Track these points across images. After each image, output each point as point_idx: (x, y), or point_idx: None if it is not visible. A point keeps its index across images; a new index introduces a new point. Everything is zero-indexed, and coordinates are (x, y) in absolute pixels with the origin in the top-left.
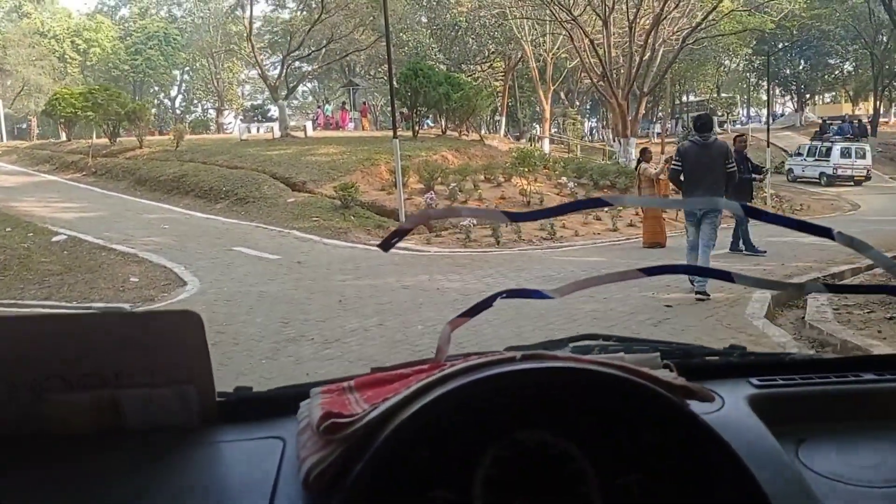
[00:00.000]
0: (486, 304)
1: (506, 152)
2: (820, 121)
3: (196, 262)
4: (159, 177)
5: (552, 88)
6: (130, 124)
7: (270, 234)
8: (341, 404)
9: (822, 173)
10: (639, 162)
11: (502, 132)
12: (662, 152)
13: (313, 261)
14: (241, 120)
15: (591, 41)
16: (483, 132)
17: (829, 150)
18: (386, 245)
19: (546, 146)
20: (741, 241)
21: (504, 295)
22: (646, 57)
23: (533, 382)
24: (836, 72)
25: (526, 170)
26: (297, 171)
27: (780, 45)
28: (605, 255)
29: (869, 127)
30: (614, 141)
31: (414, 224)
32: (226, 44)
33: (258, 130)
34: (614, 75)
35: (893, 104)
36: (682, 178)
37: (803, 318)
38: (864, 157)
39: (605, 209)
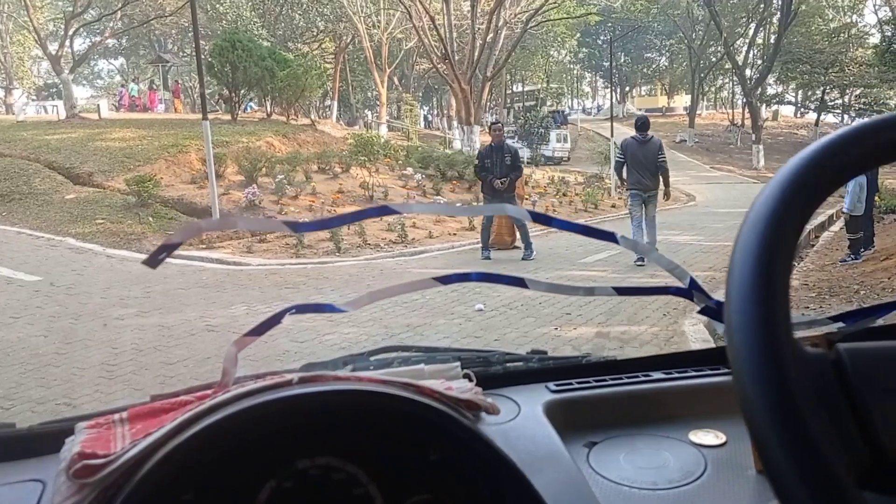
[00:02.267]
0: (274, 320)
1: (340, 139)
2: (639, 111)
3: None
4: None
5: (388, 72)
6: None
7: (35, 244)
8: (105, 441)
9: (542, 154)
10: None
11: (334, 117)
12: None
13: (87, 283)
14: (31, 98)
15: (433, 18)
16: (313, 117)
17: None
18: (153, 261)
19: (384, 132)
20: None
21: (294, 311)
22: (489, 39)
23: (307, 407)
24: (654, 65)
25: (366, 159)
26: (81, 160)
27: (602, 39)
28: (472, 265)
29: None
30: (450, 129)
31: (184, 237)
32: (11, 14)
33: (54, 111)
34: (456, 57)
35: (705, 98)
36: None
37: None
38: (566, 141)
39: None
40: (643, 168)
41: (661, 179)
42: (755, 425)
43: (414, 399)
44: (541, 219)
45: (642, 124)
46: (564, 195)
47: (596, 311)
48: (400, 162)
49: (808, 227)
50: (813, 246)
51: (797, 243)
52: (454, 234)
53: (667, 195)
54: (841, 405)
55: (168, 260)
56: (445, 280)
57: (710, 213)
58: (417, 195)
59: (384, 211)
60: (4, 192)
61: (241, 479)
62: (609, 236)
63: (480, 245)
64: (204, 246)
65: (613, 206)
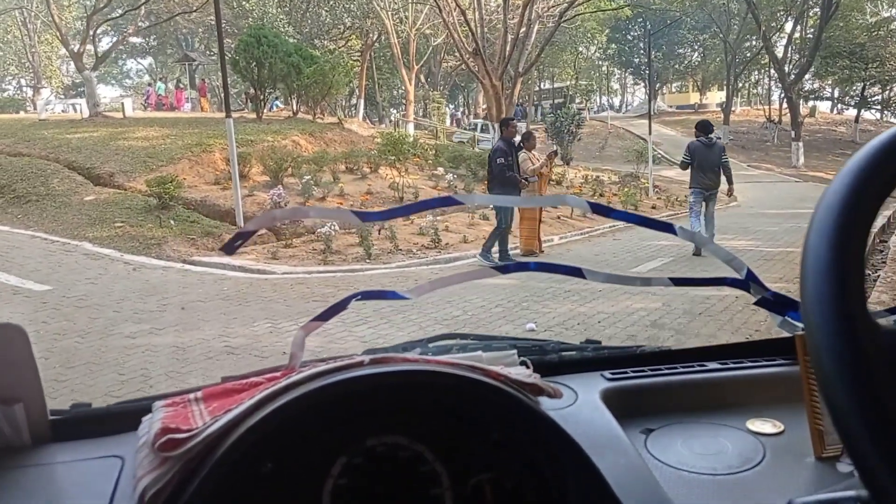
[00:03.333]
0: (341, 306)
1: (368, 138)
2: (671, 108)
3: None
4: None
5: (415, 69)
6: None
7: (49, 249)
8: (183, 418)
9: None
10: (518, 149)
11: (361, 116)
12: None
13: (100, 294)
14: (59, 97)
15: (463, 12)
16: (340, 115)
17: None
18: (230, 248)
19: (411, 130)
20: (492, 249)
21: (359, 297)
22: (521, 33)
23: (380, 387)
24: (686, 61)
25: (395, 158)
26: (102, 160)
27: (632, 34)
28: (516, 274)
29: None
30: (471, 127)
31: (258, 226)
32: (39, 13)
33: (77, 109)
34: (487, 52)
35: (739, 94)
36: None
37: None
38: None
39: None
40: (708, 169)
41: (722, 178)
42: (830, 392)
43: (483, 381)
44: (600, 209)
45: (704, 127)
46: (601, 195)
47: (665, 334)
48: (430, 162)
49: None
50: (882, 252)
51: (872, 224)
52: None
53: (730, 192)
54: None
55: (188, 267)
56: (504, 269)
57: (757, 214)
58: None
59: (449, 201)
60: (21, 193)
61: (316, 454)
62: (667, 227)
63: (498, 250)
64: None
65: (654, 207)
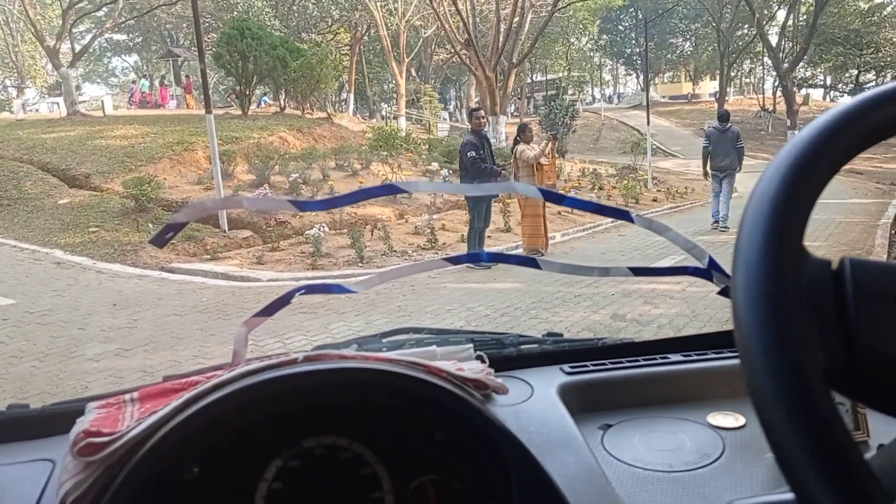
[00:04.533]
0: (284, 300)
1: (358, 133)
2: (664, 99)
3: None
4: None
5: (406, 62)
6: None
7: (17, 259)
8: (113, 420)
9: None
10: (515, 142)
11: (351, 110)
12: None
13: (67, 308)
14: (43, 96)
15: (455, 2)
16: (330, 111)
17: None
18: (159, 240)
19: (402, 124)
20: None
21: (303, 291)
22: (514, 23)
23: (312, 385)
24: (679, 51)
25: (387, 154)
26: (79, 161)
27: (623, 25)
28: (516, 272)
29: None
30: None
31: (188, 217)
32: (21, 13)
33: (58, 108)
34: (480, 43)
35: (732, 83)
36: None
37: None
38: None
39: (494, 200)
40: (723, 152)
41: (738, 161)
42: (736, 306)
43: (418, 377)
44: (552, 196)
45: (722, 116)
46: (601, 189)
47: None
48: (423, 157)
49: (886, 221)
50: None
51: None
52: (489, 236)
53: (739, 169)
54: (828, 306)
55: (166, 276)
56: (456, 260)
57: None
58: (447, 193)
59: (390, 189)
60: None
61: (247, 457)
62: (624, 215)
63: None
64: (209, 257)
65: (655, 200)
